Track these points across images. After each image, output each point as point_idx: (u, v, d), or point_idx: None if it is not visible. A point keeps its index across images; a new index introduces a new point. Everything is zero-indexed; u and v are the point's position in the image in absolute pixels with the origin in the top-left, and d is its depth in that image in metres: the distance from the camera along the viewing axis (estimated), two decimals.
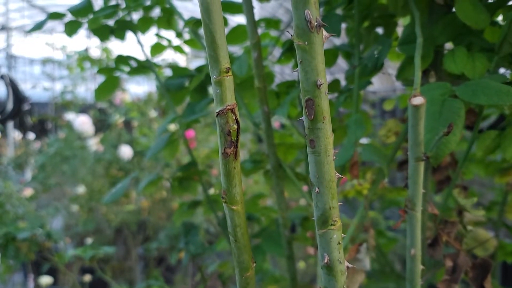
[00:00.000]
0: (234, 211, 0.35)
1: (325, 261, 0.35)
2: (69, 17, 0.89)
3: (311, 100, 0.31)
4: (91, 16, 0.87)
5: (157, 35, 1.06)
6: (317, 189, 0.34)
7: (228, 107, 0.32)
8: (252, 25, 0.70)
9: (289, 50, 0.80)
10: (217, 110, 0.32)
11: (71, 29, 0.89)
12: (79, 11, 0.86)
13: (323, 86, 0.31)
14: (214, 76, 0.32)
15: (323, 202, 0.34)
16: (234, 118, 0.33)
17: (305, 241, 0.97)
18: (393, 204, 1.14)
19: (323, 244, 0.35)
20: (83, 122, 3.08)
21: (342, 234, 0.36)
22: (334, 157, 0.33)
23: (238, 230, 0.36)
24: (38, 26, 0.84)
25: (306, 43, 0.30)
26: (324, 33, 0.31)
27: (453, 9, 0.65)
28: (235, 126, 0.33)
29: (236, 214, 0.35)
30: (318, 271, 0.69)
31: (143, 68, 0.99)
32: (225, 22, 0.88)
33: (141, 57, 0.98)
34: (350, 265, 0.37)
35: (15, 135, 4.63)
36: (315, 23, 0.30)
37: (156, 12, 0.99)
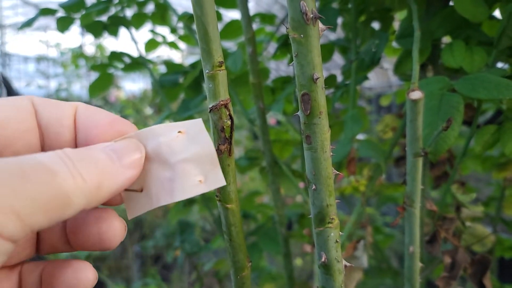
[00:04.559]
0: (229, 210, 0.34)
1: (323, 260, 0.35)
2: (61, 13, 0.87)
3: (307, 95, 0.30)
4: (83, 12, 0.86)
5: (152, 31, 1.05)
6: (313, 186, 0.33)
7: (221, 102, 0.31)
8: (246, 20, 0.69)
9: (284, 45, 0.79)
10: (210, 106, 0.31)
11: (63, 25, 0.88)
12: (71, 7, 0.84)
13: (320, 80, 0.30)
14: (207, 71, 0.31)
15: (320, 199, 0.33)
16: (227, 113, 0.32)
17: (302, 238, 0.96)
18: (390, 200, 1.14)
19: (320, 243, 0.34)
20: None
21: (340, 232, 0.35)
22: (331, 154, 0.33)
23: (233, 229, 0.35)
24: (29, 23, 0.83)
25: (302, 35, 0.29)
26: (321, 25, 0.30)
27: (451, 2, 0.64)
28: (229, 122, 0.32)
29: (231, 213, 0.34)
30: (315, 269, 0.69)
31: (137, 64, 0.98)
32: (220, 17, 0.87)
33: (136, 54, 0.97)
34: (348, 264, 0.36)
35: None
36: (311, 15, 0.28)
37: (150, 8, 0.98)
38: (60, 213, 0.22)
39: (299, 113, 0.32)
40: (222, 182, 0.29)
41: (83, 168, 0.23)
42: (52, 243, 0.30)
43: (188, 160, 0.28)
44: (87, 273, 0.27)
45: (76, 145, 0.29)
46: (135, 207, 0.29)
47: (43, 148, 0.28)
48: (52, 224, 0.22)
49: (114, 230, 0.28)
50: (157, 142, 0.28)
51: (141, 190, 0.29)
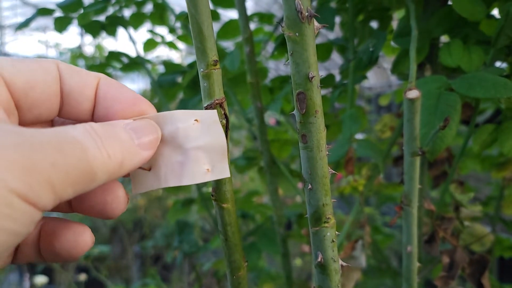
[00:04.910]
0: (224, 209, 0.34)
1: (319, 259, 0.34)
2: (58, 13, 0.87)
3: (302, 94, 0.30)
4: (81, 11, 0.86)
5: (150, 31, 1.04)
6: (309, 186, 0.33)
7: (216, 101, 0.31)
8: (244, 20, 0.69)
9: (282, 44, 0.78)
10: (205, 105, 0.31)
11: (61, 25, 0.87)
12: (69, 7, 0.84)
13: (315, 78, 0.30)
14: (202, 69, 0.31)
15: (316, 199, 0.33)
16: (222, 112, 0.32)
17: (300, 238, 0.96)
18: (389, 200, 1.13)
19: (317, 242, 0.34)
20: None
21: (336, 232, 0.35)
22: (328, 153, 0.32)
23: (229, 229, 0.35)
24: (26, 23, 0.83)
25: (297, 34, 0.29)
26: (316, 24, 0.29)
27: (449, 2, 0.64)
28: (224, 121, 0.32)
29: (227, 212, 0.34)
30: (313, 269, 0.68)
31: (135, 64, 0.97)
32: (217, 17, 0.87)
33: (134, 54, 0.97)
34: (344, 264, 0.36)
35: None
36: (306, 14, 0.28)
37: (149, 7, 0.98)
38: (85, 186, 0.23)
39: (295, 112, 0.32)
40: (227, 174, 0.30)
41: (110, 146, 0.25)
42: None
43: (200, 148, 0.30)
44: (86, 237, 0.28)
45: (93, 115, 0.30)
46: (141, 184, 0.30)
47: (60, 113, 0.29)
48: (75, 195, 0.23)
49: (118, 202, 0.29)
50: (175, 127, 0.29)
51: (149, 169, 0.30)
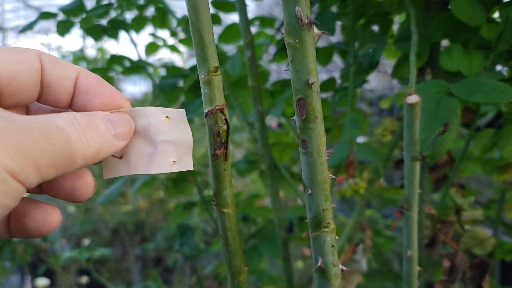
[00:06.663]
0: (225, 214, 0.34)
1: (319, 264, 0.35)
2: (61, 16, 0.88)
3: (302, 100, 0.30)
4: (83, 15, 0.86)
5: (152, 34, 1.05)
6: (309, 191, 0.33)
7: (217, 107, 0.31)
8: (245, 24, 0.69)
9: (283, 48, 0.79)
10: (206, 111, 0.31)
11: (63, 28, 0.88)
12: (71, 11, 0.85)
13: (315, 85, 0.30)
14: (202, 76, 0.31)
15: (316, 204, 0.33)
16: (223, 118, 0.32)
17: (301, 241, 0.96)
18: (391, 203, 1.13)
19: (317, 247, 0.34)
20: None
21: (337, 236, 0.35)
22: (327, 158, 0.33)
23: (229, 234, 0.35)
24: (30, 26, 0.83)
25: (297, 41, 0.29)
26: (316, 30, 0.30)
27: (449, 6, 0.64)
28: (225, 127, 0.32)
29: (227, 217, 0.34)
30: (314, 273, 0.68)
31: (137, 67, 0.98)
32: (219, 21, 0.87)
33: (136, 57, 0.97)
34: (344, 268, 0.36)
35: None
36: (306, 21, 0.29)
37: (151, 11, 0.99)
38: (65, 169, 0.26)
39: (295, 117, 0.32)
40: (191, 167, 0.33)
41: (89, 135, 0.27)
42: None
43: (168, 142, 0.32)
44: (55, 216, 0.30)
45: (70, 106, 0.32)
46: (112, 170, 0.33)
47: (38, 99, 0.31)
48: (55, 177, 0.26)
49: (86, 187, 0.31)
50: (147, 121, 0.32)
51: (121, 157, 0.33)
